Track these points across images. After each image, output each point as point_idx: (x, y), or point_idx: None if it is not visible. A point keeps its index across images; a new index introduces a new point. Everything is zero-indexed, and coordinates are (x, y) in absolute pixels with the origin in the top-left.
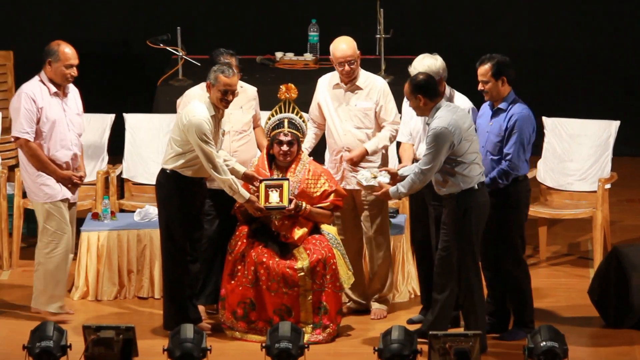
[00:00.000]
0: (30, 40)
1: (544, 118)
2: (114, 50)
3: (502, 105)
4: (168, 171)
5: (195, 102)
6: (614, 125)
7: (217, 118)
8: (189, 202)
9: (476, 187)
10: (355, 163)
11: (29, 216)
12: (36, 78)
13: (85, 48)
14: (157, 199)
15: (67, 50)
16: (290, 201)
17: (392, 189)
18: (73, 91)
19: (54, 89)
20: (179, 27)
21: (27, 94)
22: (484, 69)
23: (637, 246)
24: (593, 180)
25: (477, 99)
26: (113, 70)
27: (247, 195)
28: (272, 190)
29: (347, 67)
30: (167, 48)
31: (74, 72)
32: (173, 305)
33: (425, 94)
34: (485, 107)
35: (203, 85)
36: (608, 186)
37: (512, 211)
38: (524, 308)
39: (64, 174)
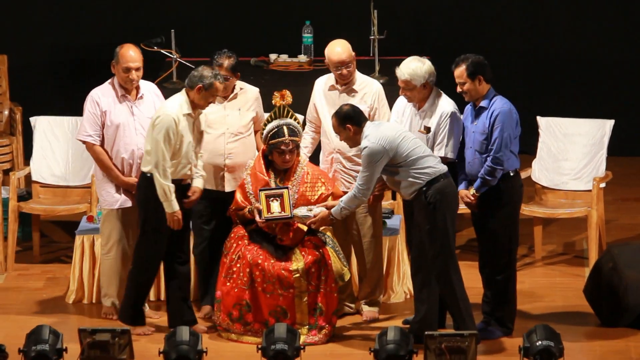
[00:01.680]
0: (25, 44)
1: (538, 117)
2: (109, 54)
3: (483, 104)
4: (147, 174)
5: (172, 97)
6: (609, 124)
7: (193, 117)
8: None
9: (441, 179)
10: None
11: (24, 220)
12: (108, 81)
13: (80, 52)
14: (137, 202)
15: (126, 53)
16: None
17: (334, 208)
18: (151, 94)
19: (121, 91)
20: (172, 30)
21: (92, 97)
22: (459, 71)
23: (632, 245)
24: (588, 179)
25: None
26: (108, 74)
27: (176, 207)
28: (272, 200)
29: (344, 71)
30: (161, 51)
31: (132, 75)
32: (130, 301)
33: (352, 121)
34: (469, 108)
35: None
36: (603, 185)
37: (504, 208)
38: (507, 307)
39: (126, 180)
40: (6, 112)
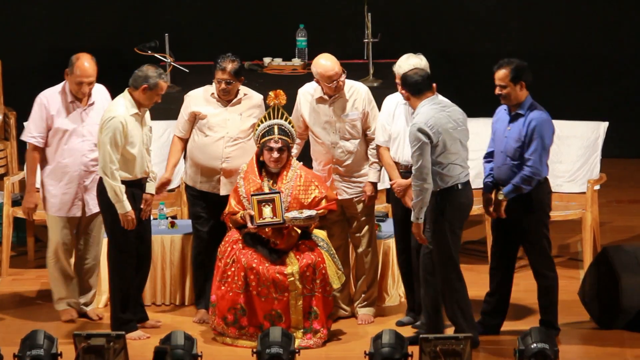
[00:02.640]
0: (19, 50)
1: None
2: (103, 58)
3: (520, 111)
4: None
5: (116, 100)
6: (603, 126)
7: (140, 114)
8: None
9: (458, 187)
10: (374, 198)
11: (19, 225)
12: (61, 84)
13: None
14: (100, 207)
15: (81, 66)
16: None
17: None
18: (102, 99)
19: (72, 98)
20: (167, 34)
21: (41, 99)
22: (502, 74)
23: (626, 247)
24: (582, 181)
25: (464, 103)
26: (102, 79)
27: (128, 207)
28: (264, 205)
29: (339, 83)
30: (156, 55)
31: (84, 89)
32: (116, 309)
33: (409, 89)
34: (501, 111)
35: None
36: (597, 187)
37: (535, 214)
38: (554, 309)
39: (32, 199)
40: (0, 117)
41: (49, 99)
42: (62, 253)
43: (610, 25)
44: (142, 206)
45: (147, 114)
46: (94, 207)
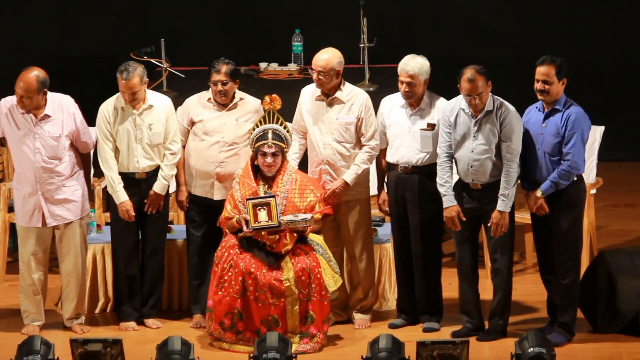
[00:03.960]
0: (14, 56)
1: None
2: (99, 64)
3: (557, 106)
4: None
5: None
6: (599, 130)
7: (129, 108)
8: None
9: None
10: (338, 196)
11: (15, 231)
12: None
13: (70, 63)
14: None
15: (18, 82)
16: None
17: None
18: (62, 112)
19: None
20: (162, 40)
21: (2, 104)
22: (547, 69)
23: (623, 251)
24: None
25: None
26: (98, 84)
27: (122, 198)
28: (259, 209)
29: (315, 76)
30: (151, 60)
31: (26, 104)
32: (115, 296)
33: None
34: (533, 110)
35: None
36: (594, 191)
37: (572, 210)
38: (573, 311)
39: None
40: None
41: (5, 107)
42: (33, 264)
43: (607, 30)
44: (146, 201)
45: (156, 111)
46: (54, 219)
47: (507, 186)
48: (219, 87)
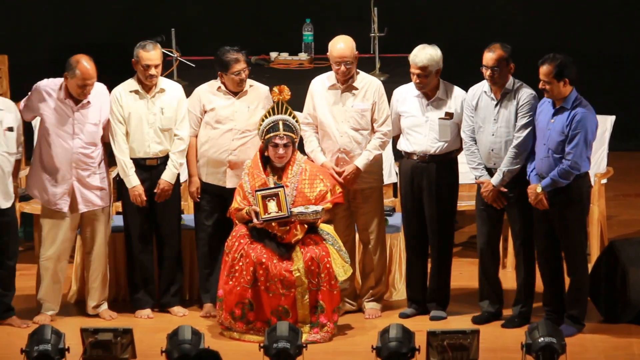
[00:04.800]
0: (25, 44)
1: None
2: (109, 53)
3: (565, 105)
4: None
5: None
6: (610, 120)
7: (141, 94)
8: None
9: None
10: (350, 182)
11: (26, 220)
12: (62, 80)
13: (81, 52)
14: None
15: (83, 69)
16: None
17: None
18: (99, 97)
19: (65, 95)
20: (173, 29)
21: (39, 88)
22: (546, 69)
23: (634, 241)
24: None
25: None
26: (109, 74)
27: (134, 183)
28: (269, 200)
29: (342, 68)
30: (162, 50)
31: (87, 91)
32: (130, 282)
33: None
34: (545, 103)
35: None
36: (604, 181)
37: (575, 206)
38: (582, 304)
39: None
40: None
41: (49, 91)
42: (60, 253)
43: (617, 21)
44: (155, 190)
45: (167, 95)
46: (85, 205)
47: (508, 164)
48: (243, 75)
